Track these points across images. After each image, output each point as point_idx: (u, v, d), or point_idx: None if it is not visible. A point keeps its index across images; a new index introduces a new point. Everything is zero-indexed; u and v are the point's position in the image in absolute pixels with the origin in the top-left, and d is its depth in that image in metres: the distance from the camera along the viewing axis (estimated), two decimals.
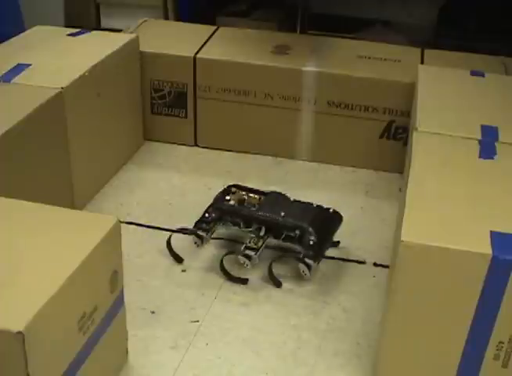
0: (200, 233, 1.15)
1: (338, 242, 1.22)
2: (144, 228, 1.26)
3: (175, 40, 1.56)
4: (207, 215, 1.17)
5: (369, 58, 1.50)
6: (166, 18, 1.99)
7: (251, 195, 1.20)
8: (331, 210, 1.19)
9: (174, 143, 1.56)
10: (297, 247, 1.13)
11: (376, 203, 1.37)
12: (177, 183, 1.41)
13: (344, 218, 1.27)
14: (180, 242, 1.20)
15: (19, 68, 1.25)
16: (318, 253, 1.12)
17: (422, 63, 1.48)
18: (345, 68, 1.45)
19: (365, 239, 1.26)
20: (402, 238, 0.83)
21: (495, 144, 1.07)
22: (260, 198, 1.20)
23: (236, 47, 1.53)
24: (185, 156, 1.52)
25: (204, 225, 1.16)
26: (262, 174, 1.45)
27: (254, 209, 1.16)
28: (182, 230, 1.18)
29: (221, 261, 1.13)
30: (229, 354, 0.99)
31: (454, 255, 0.82)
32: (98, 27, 2.03)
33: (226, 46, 1.54)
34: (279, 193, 1.21)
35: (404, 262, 0.84)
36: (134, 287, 1.08)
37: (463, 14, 1.96)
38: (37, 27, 1.46)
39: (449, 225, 0.86)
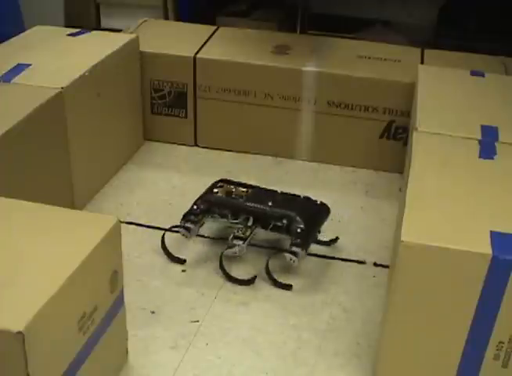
0: (188, 225, 1.16)
1: (337, 238, 1.22)
2: (144, 228, 1.26)
3: (175, 40, 1.56)
4: (195, 207, 1.18)
5: (369, 58, 1.50)
6: (166, 18, 1.99)
7: (239, 188, 1.22)
8: (318, 202, 1.20)
9: (174, 143, 1.56)
10: (285, 237, 1.14)
11: (376, 203, 1.37)
12: (177, 183, 1.41)
13: (344, 218, 1.27)
14: (180, 242, 1.20)
15: (19, 68, 1.25)
16: (305, 241, 1.12)
17: (422, 63, 1.48)
18: (345, 68, 1.45)
19: (365, 239, 1.26)
20: (402, 238, 0.83)
21: (495, 144, 1.07)
22: (247, 191, 1.21)
23: (236, 47, 1.53)
24: (185, 156, 1.52)
25: (193, 217, 1.16)
26: (262, 174, 1.45)
27: (241, 200, 1.18)
28: (172, 228, 1.19)
29: (221, 259, 1.14)
30: (229, 354, 0.99)
31: (454, 255, 0.82)
32: (98, 27, 2.04)
33: (226, 46, 1.54)
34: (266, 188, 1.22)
35: (404, 262, 0.84)
36: (134, 287, 1.08)
37: (463, 14, 1.96)
38: (37, 27, 1.46)
39: (449, 225, 0.86)
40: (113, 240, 0.85)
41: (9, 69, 1.24)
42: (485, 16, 1.93)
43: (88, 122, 1.29)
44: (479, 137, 1.09)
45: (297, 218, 1.13)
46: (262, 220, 1.15)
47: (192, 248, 1.20)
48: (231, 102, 1.49)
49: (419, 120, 1.14)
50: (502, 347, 0.85)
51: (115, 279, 0.87)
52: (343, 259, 1.21)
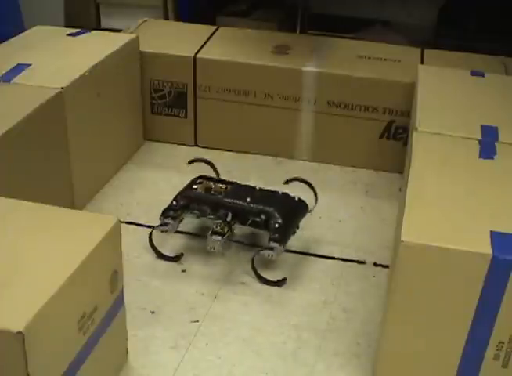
0: (166, 220, 1.16)
1: (297, 227, 1.21)
2: (144, 228, 1.26)
3: (175, 40, 1.56)
4: (174, 202, 1.19)
5: (369, 58, 1.50)
6: (166, 18, 1.99)
7: (218, 184, 1.22)
8: (297, 198, 1.21)
9: (174, 143, 1.56)
10: (264, 232, 1.15)
11: (376, 203, 1.37)
12: (177, 183, 1.41)
13: (344, 218, 1.27)
14: (182, 243, 1.20)
15: (19, 68, 1.25)
16: (283, 236, 1.13)
17: (422, 63, 1.48)
18: (345, 68, 1.45)
19: (365, 239, 1.26)
20: (402, 238, 0.83)
21: (495, 144, 1.07)
22: (226, 187, 1.21)
23: (236, 47, 1.53)
24: (185, 156, 1.52)
25: (172, 213, 1.17)
26: (262, 174, 1.45)
27: (220, 196, 1.18)
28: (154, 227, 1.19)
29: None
30: (229, 354, 0.99)
31: (454, 255, 0.82)
32: (98, 27, 2.04)
33: (226, 46, 1.54)
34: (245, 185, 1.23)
35: (404, 262, 0.84)
36: (134, 287, 1.08)
37: (463, 14, 1.96)
38: (37, 27, 1.46)
39: (449, 225, 0.86)
40: (113, 240, 0.85)
41: (9, 69, 1.24)
42: (485, 16, 1.93)
43: (88, 122, 1.29)
44: (479, 137, 1.09)
45: (275, 214, 1.14)
46: (241, 216, 1.16)
47: (192, 249, 1.20)
48: (231, 102, 1.49)
49: (419, 120, 1.14)
50: (502, 347, 0.85)
51: (115, 279, 0.87)
52: (343, 259, 1.20)
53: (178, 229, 1.19)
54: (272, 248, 1.11)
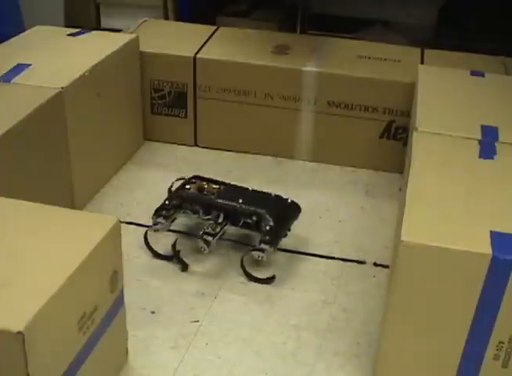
0: (158, 220, 1.17)
1: (288, 230, 1.22)
2: (144, 228, 1.25)
3: (175, 40, 1.56)
4: (167, 202, 1.19)
5: (369, 58, 1.50)
6: (166, 18, 1.99)
7: (211, 184, 1.23)
8: (289, 200, 1.21)
9: (174, 143, 1.56)
10: (255, 233, 1.15)
11: (376, 203, 1.37)
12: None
13: (344, 218, 1.27)
14: (182, 242, 1.20)
15: (19, 68, 1.25)
16: (274, 238, 1.13)
17: (422, 63, 1.48)
18: (345, 68, 1.45)
19: (365, 239, 1.26)
20: (402, 238, 0.83)
21: (495, 144, 1.08)
22: (219, 187, 1.22)
23: (236, 47, 1.53)
24: (185, 156, 1.52)
25: (164, 213, 1.18)
26: (262, 174, 1.45)
27: (212, 196, 1.19)
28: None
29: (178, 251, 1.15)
30: (229, 354, 0.99)
31: (454, 255, 0.82)
32: (98, 27, 2.04)
33: (226, 46, 1.54)
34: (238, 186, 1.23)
35: (404, 262, 0.84)
36: (134, 287, 1.08)
37: (463, 14, 1.96)
38: (37, 27, 1.47)
39: (449, 225, 0.86)
40: (113, 240, 0.85)
41: (9, 69, 1.24)
42: (485, 16, 1.93)
43: (88, 122, 1.29)
44: (479, 137, 1.09)
45: (267, 216, 1.14)
46: (232, 217, 1.16)
47: (192, 249, 1.20)
48: (231, 102, 1.49)
49: (419, 120, 1.14)
50: (502, 347, 0.85)
51: (115, 279, 0.87)
52: (343, 259, 1.21)
53: (179, 229, 1.19)
54: (262, 250, 1.11)
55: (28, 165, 1.11)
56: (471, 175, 0.99)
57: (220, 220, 1.16)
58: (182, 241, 1.20)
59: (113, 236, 0.85)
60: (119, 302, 0.90)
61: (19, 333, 0.67)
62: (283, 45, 1.54)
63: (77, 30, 1.47)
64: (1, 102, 1.14)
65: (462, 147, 1.07)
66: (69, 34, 1.44)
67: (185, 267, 1.16)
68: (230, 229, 1.18)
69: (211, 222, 1.15)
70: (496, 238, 0.83)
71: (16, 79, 1.21)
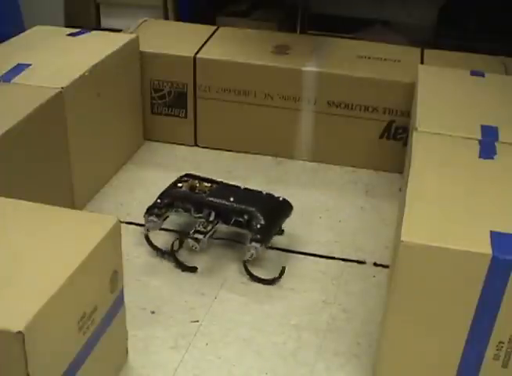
0: (150, 218, 1.17)
1: (282, 230, 1.22)
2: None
3: (175, 40, 1.56)
4: (159, 200, 1.20)
5: (369, 58, 1.50)
6: (166, 18, 1.99)
7: (203, 183, 1.23)
8: (281, 199, 1.21)
9: (174, 143, 1.56)
10: (246, 232, 1.15)
11: (376, 203, 1.37)
12: None
13: (344, 218, 1.27)
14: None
15: (19, 68, 1.25)
16: (265, 237, 1.13)
17: (422, 63, 1.48)
18: (345, 68, 1.45)
19: (365, 239, 1.26)
20: (402, 238, 0.83)
21: (495, 144, 1.07)
22: (211, 186, 1.22)
23: (236, 47, 1.53)
24: (185, 156, 1.52)
25: (156, 211, 1.18)
26: (262, 174, 1.45)
27: (204, 195, 1.19)
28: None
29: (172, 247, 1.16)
30: (229, 354, 0.99)
31: (454, 255, 0.82)
32: (98, 27, 2.03)
33: (226, 46, 1.54)
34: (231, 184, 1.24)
35: (404, 262, 0.84)
36: (134, 287, 1.08)
37: (463, 14, 1.96)
38: (37, 27, 1.46)
39: (449, 225, 0.86)
40: (113, 240, 0.85)
41: (9, 69, 1.24)
42: (485, 16, 1.93)
43: (88, 122, 1.29)
44: (479, 137, 1.09)
45: (258, 214, 1.14)
46: (224, 215, 1.17)
47: (192, 249, 1.20)
48: (231, 102, 1.49)
49: (419, 120, 1.14)
50: (502, 347, 0.85)
51: (115, 279, 0.87)
52: (343, 259, 1.20)
53: (181, 229, 1.19)
54: (252, 248, 1.11)
55: (28, 165, 1.11)
56: (471, 175, 0.99)
57: (211, 218, 1.16)
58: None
59: (113, 236, 0.85)
60: (119, 302, 0.90)
61: (19, 333, 0.67)
62: (283, 45, 1.54)
63: (77, 30, 1.47)
64: (1, 102, 1.14)
65: (462, 147, 1.07)
66: (69, 34, 1.44)
67: (184, 267, 1.16)
68: (222, 228, 1.18)
69: (203, 220, 1.16)
70: (496, 238, 0.83)
71: (16, 79, 1.21)
